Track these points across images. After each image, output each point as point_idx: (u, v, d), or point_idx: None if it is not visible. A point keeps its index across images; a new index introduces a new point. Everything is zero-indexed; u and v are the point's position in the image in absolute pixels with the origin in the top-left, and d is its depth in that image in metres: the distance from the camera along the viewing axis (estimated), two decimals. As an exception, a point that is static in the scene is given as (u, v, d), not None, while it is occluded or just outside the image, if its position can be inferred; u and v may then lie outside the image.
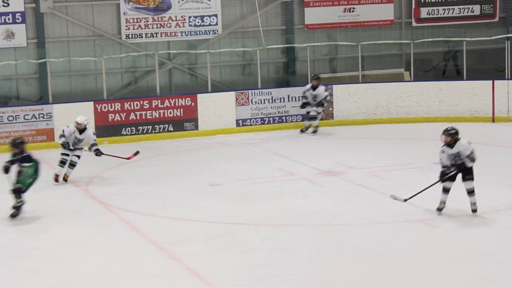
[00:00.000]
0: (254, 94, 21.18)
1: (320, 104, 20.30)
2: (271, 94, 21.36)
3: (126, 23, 21.98)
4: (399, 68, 24.18)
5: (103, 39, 21.97)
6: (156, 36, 22.28)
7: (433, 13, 24.61)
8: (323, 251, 11.17)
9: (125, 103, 20.35)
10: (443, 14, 24.67)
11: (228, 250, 11.34)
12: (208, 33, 22.72)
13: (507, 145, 18.25)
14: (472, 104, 21.50)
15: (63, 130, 15.59)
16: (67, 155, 15.62)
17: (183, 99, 20.78)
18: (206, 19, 22.66)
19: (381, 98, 21.80)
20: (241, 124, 21.10)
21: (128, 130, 20.24)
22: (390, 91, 21.86)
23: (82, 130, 15.49)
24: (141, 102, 20.48)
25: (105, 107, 20.12)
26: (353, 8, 23.97)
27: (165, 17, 22.31)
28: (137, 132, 20.30)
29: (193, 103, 20.78)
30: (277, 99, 21.28)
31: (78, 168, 17.25)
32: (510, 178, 14.85)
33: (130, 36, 22.05)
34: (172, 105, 20.62)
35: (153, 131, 20.34)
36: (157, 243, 11.73)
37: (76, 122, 15.48)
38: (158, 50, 21.93)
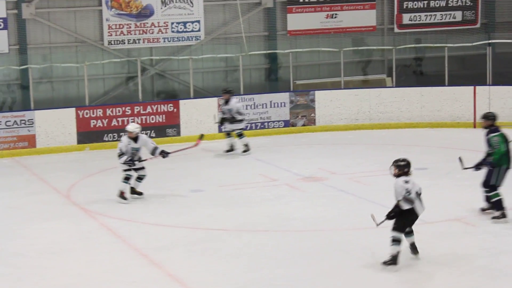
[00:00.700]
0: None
1: (234, 119, 18.81)
2: (253, 100, 21.35)
3: (109, 29, 21.93)
4: (381, 74, 24.23)
5: (85, 45, 21.91)
6: (139, 42, 22.24)
7: (415, 19, 24.70)
8: (305, 256, 11.19)
9: (107, 109, 20.28)
10: (425, 20, 24.77)
11: (210, 256, 11.34)
12: (190, 39, 22.70)
13: (488, 151, 18.31)
14: (453, 109, 21.56)
15: (120, 148, 14.62)
16: (131, 170, 14.73)
17: (165, 105, 20.74)
18: (189, 25, 22.65)
19: (363, 104, 21.83)
20: (223, 130, 21.04)
21: (110, 136, 20.15)
22: (372, 97, 21.90)
23: (135, 138, 14.69)
24: (123, 108, 20.42)
25: (87, 113, 20.04)
26: (336, 14, 24.02)
27: (147, 23, 22.27)
28: (119, 139, 20.14)
29: (175, 109, 20.74)
30: (260, 105, 21.26)
31: (59, 174, 17.26)
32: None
33: (112, 42, 21.99)
34: (154, 111, 20.58)
35: (135, 137, 20.25)
36: (139, 249, 11.71)
37: (128, 131, 14.71)
38: (140, 56, 21.88)
